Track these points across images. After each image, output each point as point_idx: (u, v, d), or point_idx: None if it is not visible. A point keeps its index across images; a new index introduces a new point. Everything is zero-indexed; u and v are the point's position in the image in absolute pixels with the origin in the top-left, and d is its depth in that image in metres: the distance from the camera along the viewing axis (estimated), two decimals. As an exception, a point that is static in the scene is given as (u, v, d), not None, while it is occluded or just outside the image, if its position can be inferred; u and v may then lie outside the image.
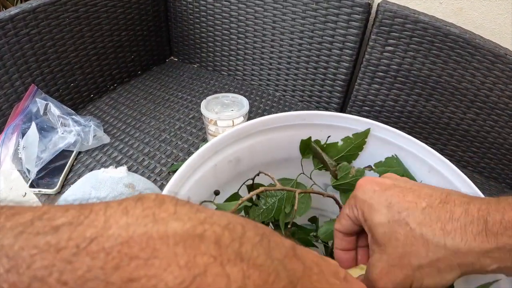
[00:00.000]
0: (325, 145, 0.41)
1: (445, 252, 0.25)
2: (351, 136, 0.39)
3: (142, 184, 0.59)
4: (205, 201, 0.33)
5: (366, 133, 0.39)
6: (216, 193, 0.38)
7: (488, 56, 0.76)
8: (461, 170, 0.94)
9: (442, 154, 0.99)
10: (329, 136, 0.40)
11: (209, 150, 0.34)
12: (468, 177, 0.91)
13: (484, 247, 0.25)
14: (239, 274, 0.15)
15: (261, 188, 0.34)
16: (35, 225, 0.15)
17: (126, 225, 0.15)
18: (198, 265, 0.15)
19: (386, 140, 0.38)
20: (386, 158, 0.40)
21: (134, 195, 0.17)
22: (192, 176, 0.33)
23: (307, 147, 0.41)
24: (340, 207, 0.40)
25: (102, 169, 0.60)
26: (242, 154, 0.38)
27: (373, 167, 0.40)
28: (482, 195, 0.37)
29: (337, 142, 0.40)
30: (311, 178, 0.38)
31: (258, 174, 0.37)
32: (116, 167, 0.62)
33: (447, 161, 0.36)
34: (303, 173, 0.37)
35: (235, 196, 0.38)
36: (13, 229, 0.14)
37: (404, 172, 0.39)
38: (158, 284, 0.14)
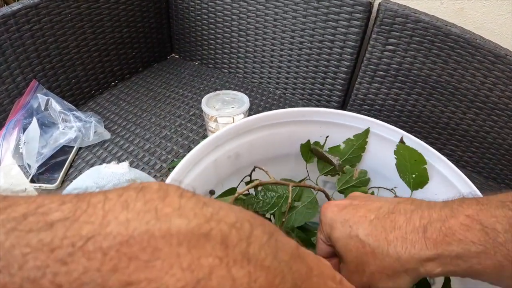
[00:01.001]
0: (325, 147, 0.41)
1: (389, 260, 0.27)
2: (351, 137, 0.40)
3: (144, 180, 0.59)
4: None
5: (366, 132, 0.39)
6: (212, 192, 0.38)
7: (488, 56, 0.77)
8: (460, 170, 0.95)
9: (441, 154, 1.00)
10: (327, 137, 0.40)
11: (210, 144, 0.34)
12: (467, 176, 0.91)
13: (424, 254, 0.26)
14: (245, 277, 0.14)
15: (256, 182, 0.34)
16: (28, 220, 0.13)
17: (126, 222, 0.14)
18: (203, 267, 0.14)
19: (384, 137, 0.39)
20: None
21: (136, 184, 0.16)
22: (192, 170, 0.33)
23: (308, 151, 0.41)
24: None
25: (104, 164, 0.60)
26: (242, 149, 0.38)
27: None
28: (478, 192, 0.37)
29: (339, 145, 0.41)
30: (317, 184, 0.38)
31: (254, 170, 0.38)
32: (117, 163, 0.62)
33: (444, 158, 0.36)
34: (309, 179, 0.37)
35: (231, 191, 0.38)
36: (4, 225, 0.13)
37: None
38: None
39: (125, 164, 0.60)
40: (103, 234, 0.13)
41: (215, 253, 0.14)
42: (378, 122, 0.38)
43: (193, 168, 0.33)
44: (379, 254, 0.27)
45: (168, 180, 0.30)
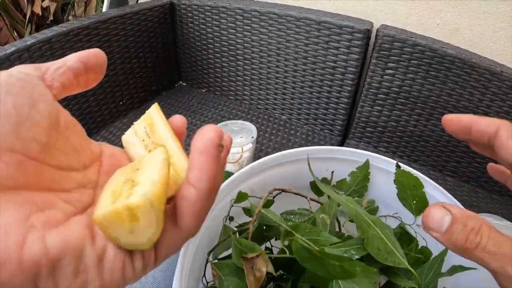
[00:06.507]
0: (332, 181, 0.45)
1: None
2: (355, 170, 0.43)
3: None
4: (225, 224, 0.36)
5: (367, 164, 0.43)
6: (231, 219, 0.42)
7: (484, 74, 0.80)
8: (463, 185, 0.97)
9: (444, 171, 1.01)
10: (332, 172, 0.43)
11: (230, 184, 0.39)
12: (471, 191, 0.94)
13: None
14: None
15: (276, 188, 0.37)
16: None
17: None
18: None
19: (382, 168, 0.42)
20: None
21: None
22: (216, 206, 0.38)
23: (317, 188, 0.45)
24: None
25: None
26: (256, 186, 0.42)
27: None
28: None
29: (345, 179, 0.44)
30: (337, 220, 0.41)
31: (273, 194, 0.41)
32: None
33: (438, 185, 0.39)
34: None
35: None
36: None
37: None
38: None
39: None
40: None
41: None
42: (375, 155, 0.41)
43: (217, 205, 0.38)
44: None
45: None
